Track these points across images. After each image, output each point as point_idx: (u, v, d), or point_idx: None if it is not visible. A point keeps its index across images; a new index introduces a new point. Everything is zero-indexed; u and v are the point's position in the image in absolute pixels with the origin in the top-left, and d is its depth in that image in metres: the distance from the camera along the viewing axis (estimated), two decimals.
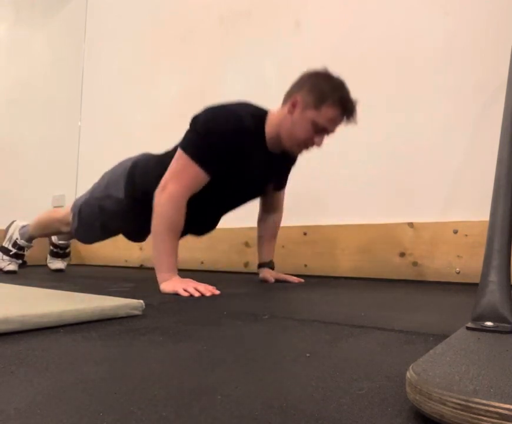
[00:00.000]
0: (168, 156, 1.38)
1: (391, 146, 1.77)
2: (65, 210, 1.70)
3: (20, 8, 3.34)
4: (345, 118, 1.30)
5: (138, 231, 1.56)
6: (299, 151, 1.38)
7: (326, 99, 1.25)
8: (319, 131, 1.29)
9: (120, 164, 1.57)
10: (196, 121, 1.29)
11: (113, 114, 2.80)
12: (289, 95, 1.32)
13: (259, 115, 1.35)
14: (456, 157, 1.62)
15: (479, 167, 1.56)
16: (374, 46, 1.83)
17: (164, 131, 2.49)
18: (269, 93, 2.11)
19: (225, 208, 1.51)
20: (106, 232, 1.61)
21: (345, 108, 1.28)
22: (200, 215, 1.39)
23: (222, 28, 2.34)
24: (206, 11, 2.41)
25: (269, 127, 1.34)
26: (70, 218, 1.63)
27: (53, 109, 3.05)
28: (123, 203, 1.46)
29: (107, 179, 1.56)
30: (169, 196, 1.21)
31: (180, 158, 1.25)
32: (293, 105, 1.29)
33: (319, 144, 1.32)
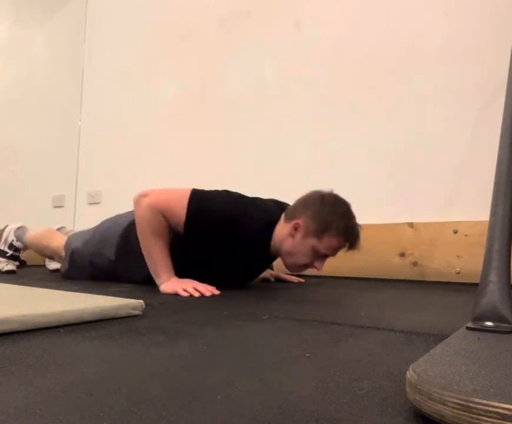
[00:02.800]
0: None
1: (391, 146, 1.77)
2: (59, 242, 1.69)
3: (19, 8, 3.34)
4: (347, 245, 1.26)
5: (130, 280, 1.49)
6: (298, 271, 1.33)
7: (329, 229, 1.21)
8: (319, 257, 1.26)
9: (116, 221, 1.52)
10: (219, 198, 1.25)
11: (113, 114, 2.80)
12: (293, 215, 1.26)
13: (270, 222, 1.29)
14: (456, 157, 1.62)
15: (479, 167, 1.56)
16: (374, 46, 1.83)
17: (164, 131, 2.50)
18: (269, 93, 2.12)
19: (221, 279, 1.36)
20: (97, 278, 1.56)
21: (348, 238, 1.24)
22: (195, 273, 1.30)
23: (222, 28, 2.34)
24: (206, 11, 2.41)
25: (274, 240, 1.28)
26: (62, 254, 1.63)
27: (53, 109, 3.05)
28: (113, 264, 1.45)
29: (101, 234, 1.52)
30: (148, 204, 1.20)
31: (182, 190, 1.23)
32: (295, 229, 1.24)
33: (319, 268, 1.28)
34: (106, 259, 1.46)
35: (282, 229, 1.27)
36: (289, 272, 1.67)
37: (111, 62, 2.88)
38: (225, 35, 2.33)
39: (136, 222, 1.23)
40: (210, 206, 1.22)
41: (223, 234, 1.22)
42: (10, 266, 1.83)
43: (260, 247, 1.28)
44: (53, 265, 2.00)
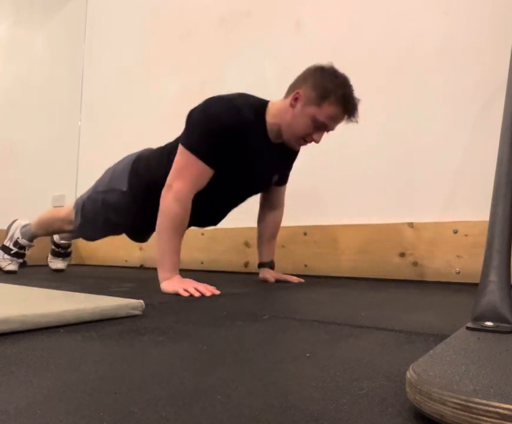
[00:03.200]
0: (170, 147, 1.39)
1: (391, 146, 1.77)
2: (67, 209, 1.70)
3: (19, 8, 3.34)
4: (346, 116, 1.30)
5: (141, 227, 1.56)
6: (297, 145, 1.38)
7: (328, 96, 1.25)
8: (318, 127, 1.30)
9: (124, 159, 1.57)
10: (194, 114, 1.29)
11: (113, 114, 2.80)
12: (292, 88, 1.32)
13: (259, 104, 1.35)
14: (456, 157, 1.62)
15: (479, 167, 1.56)
16: (374, 46, 1.83)
17: (164, 131, 2.49)
18: (269, 93, 2.12)
19: (232, 201, 1.50)
20: (109, 229, 1.61)
21: (347, 106, 1.27)
22: (207, 207, 1.39)
23: (222, 28, 2.34)
24: (206, 11, 2.41)
25: (270, 117, 1.34)
26: (73, 215, 1.63)
27: (53, 109, 3.05)
28: (126, 195, 1.46)
29: (111, 173, 1.56)
30: (175, 195, 1.21)
31: (182, 155, 1.25)
32: (295, 99, 1.28)
33: (317, 140, 1.32)
34: (119, 192, 1.48)
35: (280, 104, 1.33)
36: (289, 272, 1.67)
37: (111, 62, 2.88)
38: (225, 35, 2.33)
39: (160, 214, 1.23)
40: (207, 134, 1.24)
41: (229, 132, 1.25)
42: (12, 266, 1.82)
43: (257, 127, 1.31)
44: (56, 264, 2.00)
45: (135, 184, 1.46)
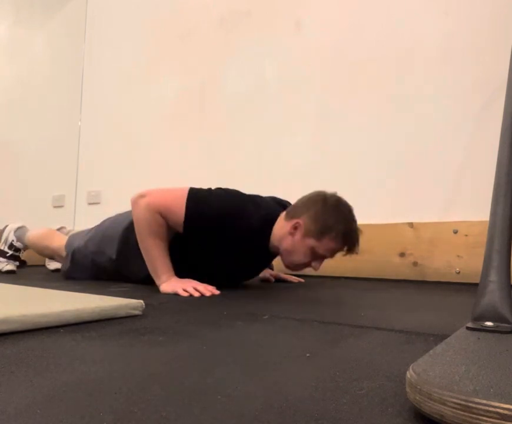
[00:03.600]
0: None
1: (391, 146, 1.77)
2: (60, 242, 1.68)
3: (19, 8, 3.34)
4: (346, 249, 1.26)
5: (131, 280, 1.48)
6: (295, 270, 1.34)
7: (329, 232, 1.21)
8: (317, 257, 1.26)
9: (118, 219, 1.52)
10: (217, 196, 1.25)
11: (113, 114, 2.80)
12: (294, 214, 1.26)
13: (269, 219, 1.29)
14: (456, 157, 1.62)
15: (479, 167, 1.56)
16: (374, 46, 1.83)
17: (164, 131, 2.50)
18: (269, 93, 2.12)
19: (220, 278, 1.37)
20: (98, 278, 1.56)
21: (346, 243, 1.24)
22: (188, 266, 1.31)
23: (222, 28, 2.34)
24: (206, 11, 2.41)
25: (274, 237, 1.28)
26: (64, 252, 1.63)
27: (53, 109, 3.05)
28: (114, 262, 1.44)
29: (103, 233, 1.52)
30: (146, 205, 1.20)
31: (180, 190, 1.23)
32: (295, 228, 1.24)
33: (316, 268, 1.29)
34: (108, 257, 1.46)
35: (282, 227, 1.27)
36: (289, 272, 1.67)
37: (111, 62, 2.88)
38: (225, 35, 2.33)
39: (135, 222, 1.23)
40: (209, 204, 1.22)
41: (222, 232, 1.22)
42: (10, 266, 1.83)
43: (259, 244, 1.28)
44: (53, 265, 2.00)
45: (124, 253, 1.42)
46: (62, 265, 1.67)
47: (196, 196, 1.22)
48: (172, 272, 1.21)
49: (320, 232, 1.21)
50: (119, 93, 2.79)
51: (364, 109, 1.83)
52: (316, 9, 2.02)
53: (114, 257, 1.44)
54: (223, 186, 1.32)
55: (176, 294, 1.11)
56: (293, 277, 1.59)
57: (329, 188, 1.89)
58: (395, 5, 1.81)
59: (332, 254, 1.27)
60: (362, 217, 1.81)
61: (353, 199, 1.92)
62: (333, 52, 1.91)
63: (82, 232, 1.66)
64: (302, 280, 1.58)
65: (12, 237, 1.86)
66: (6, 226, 1.93)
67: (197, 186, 1.27)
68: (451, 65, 1.65)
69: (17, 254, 1.87)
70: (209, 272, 1.28)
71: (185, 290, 1.11)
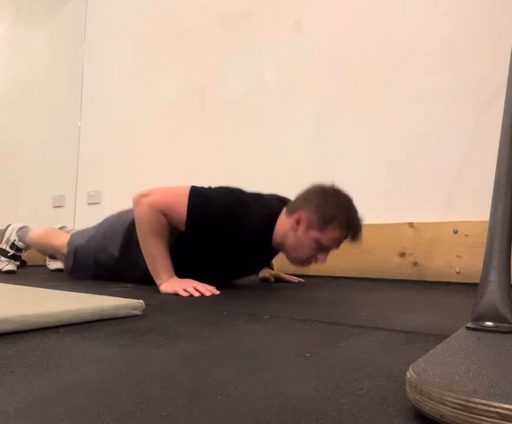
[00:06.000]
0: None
1: (391, 146, 1.77)
2: (62, 240, 1.68)
3: (19, 8, 3.34)
4: (350, 237, 1.26)
5: (132, 278, 1.48)
6: (302, 266, 1.33)
7: (332, 221, 1.21)
8: (322, 250, 1.26)
9: (121, 217, 1.52)
10: (219, 194, 1.25)
11: (113, 114, 2.80)
12: (295, 209, 1.26)
13: (271, 217, 1.29)
14: (456, 157, 1.62)
15: (479, 167, 1.56)
16: (374, 46, 1.83)
17: (164, 131, 2.50)
18: (269, 93, 2.12)
19: (222, 275, 1.39)
20: (100, 276, 1.55)
21: (350, 230, 1.24)
22: (190, 267, 1.31)
23: (222, 28, 2.34)
24: (206, 11, 2.41)
25: (276, 234, 1.28)
26: (65, 251, 1.63)
27: (53, 109, 3.05)
28: (117, 260, 1.44)
29: (105, 230, 1.52)
30: (149, 203, 1.20)
31: (182, 189, 1.23)
32: (298, 222, 1.24)
33: (322, 262, 1.28)
34: (110, 255, 1.46)
35: (283, 223, 1.27)
36: (292, 272, 1.67)
37: (111, 62, 2.88)
38: (225, 35, 2.33)
39: (136, 221, 1.23)
40: (211, 202, 1.22)
41: (224, 230, 1.22)
42: (11, 266, 1.83)
43: (261, 242, 1.28)
44: (54, 265, 2.00)
45: (126, 250, 1.42)
46: (65, 263, 1.67)
47: (198, 194, 1.22)
48: (173, 273, 1.21)
49: (323, 223, 1.22)
50: (119, 93, 2.79)
51: (364, 109, 1.83)
52: (316, 9, 2.02)
53: (116, 254, 1.44)
54: (224, 185, 1.33)
55: (176, 294, 1.11)
56: (293, 277, 1.59)
57: (330, 181, 1.89)
58: (395, 5, 1.81)
59: (337, 243, 1.26)
60: (362, 217, 1.82)
61: (353, 199, 1.92)
62: (333, 52, 1.91)
63: (85, 230, 1.67)
64: (302, 280, 1.58)
65: (14, 237, 1.86)
66: (9, 225, 1.92)
67: (198, 185, 1.28)
68: (451, 65, 1.65)
69: (18, 253, 1.87)
70: (211, 269, 1.29)
71: (185, 290, 1.11)
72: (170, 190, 1.25)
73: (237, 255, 1.29)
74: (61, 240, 1.69)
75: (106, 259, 1.48)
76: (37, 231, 1.84)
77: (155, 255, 1.21)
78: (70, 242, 1.63)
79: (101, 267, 1.51)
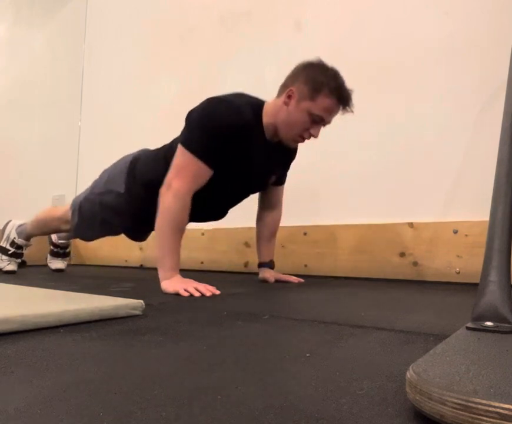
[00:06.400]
0: (167, 148, 1.40)
1: (391, 146, 1.77)
2: (64, 208, 1.70)
3: (19, 8, 3.34)
4: (341, 107, 1.30)
5: (139, 227, 1.56)
6: (295, 142, 1.38)
7: (322, 89, 1.25)
8: (315, 122, 1.30)
9: (120, 160, 1.58)
10: (193, 114, 1.30)
11: (113, 114, 2.80)
12: (284, 87, 1.32)
13: (256, 104, 1.35)
14: (456, 157, 1.62)
15: (479, 167, 1.56)
16: (374, 46, 1.83)
17: (164, 131, 2.49)
18: (269, 93, 2.12)
19: (229, 199, 1.50)
20: (106, 229, 1.61)
21: (341, 96, 1.28)
22: (205, 205, 1.38)
23: (222, 28, 2.34)
24: (206, 11, 2.41)
25: (266, 117, 1.34)
26: (69, 215, 1.63)
27: (53, 109, 3.06)
28: (123, 197, 1.47)
29: (108, 175, 1.56)
30: (175, 194, 1.21)
31: (182, 155, 1.25)
32: (289, 97, 1.29)
33: (316, 135, 1.32)
34: (116, 193, 1.49)
35: (274, 105, 1.33)
36: (289, 273, 1.67)
37: (111, 61, 2.88)
38: (225, 35, 2.33)
39: (160, 213, 1.23)
40: (208, 133, 1.24)
41: (229, 132, 1.25)
42: (11, 266, 1.82)
43: (255, 128, 1.31)
44: (55, 264, 2.00)
45: (132, 186, 1.46)
46: (71, 224, 1.66)
47: (194, 143, 1.24)
48: (177, 271, 1.21)
49: (313, 91, 1.25)
50: (119, 93, 2.79)
51: (363, 109, 1.82)
52: (316, 9, 2.02)
53: (122, 191, 1.47)
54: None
55: (176, 294, 1.11)
56: (293, 277, 1.59)
57: (329, 187, 1.89)
58: (395, 5, 1.81)
59: (328, 113, 1.29)
60: (362, 217, 1.82)
61: (353, 199, 1.92)
62: (333, 52, 1.90)
63: (83, 190, 1.69)
64: (302, 280, 1.58)
65: (13, 234, 1.85)
66: (9, 221, 1.91)
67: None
68: (451, 65, 1.65)
69: (19, 251, 1.85)
70: (229, 190, 1.40)
71: (185, 290, 1.11)
72: (182, 169, 1.24)
73: (241, 162, 1.32)
74: (63, 208, 1.71)
75: (113, 200, 1.50)
76: (33, 216, 1.82)
77: (166, 249, 1.21)
78: (73, 203, 1.65)
79: (108, 211, 1.52)
